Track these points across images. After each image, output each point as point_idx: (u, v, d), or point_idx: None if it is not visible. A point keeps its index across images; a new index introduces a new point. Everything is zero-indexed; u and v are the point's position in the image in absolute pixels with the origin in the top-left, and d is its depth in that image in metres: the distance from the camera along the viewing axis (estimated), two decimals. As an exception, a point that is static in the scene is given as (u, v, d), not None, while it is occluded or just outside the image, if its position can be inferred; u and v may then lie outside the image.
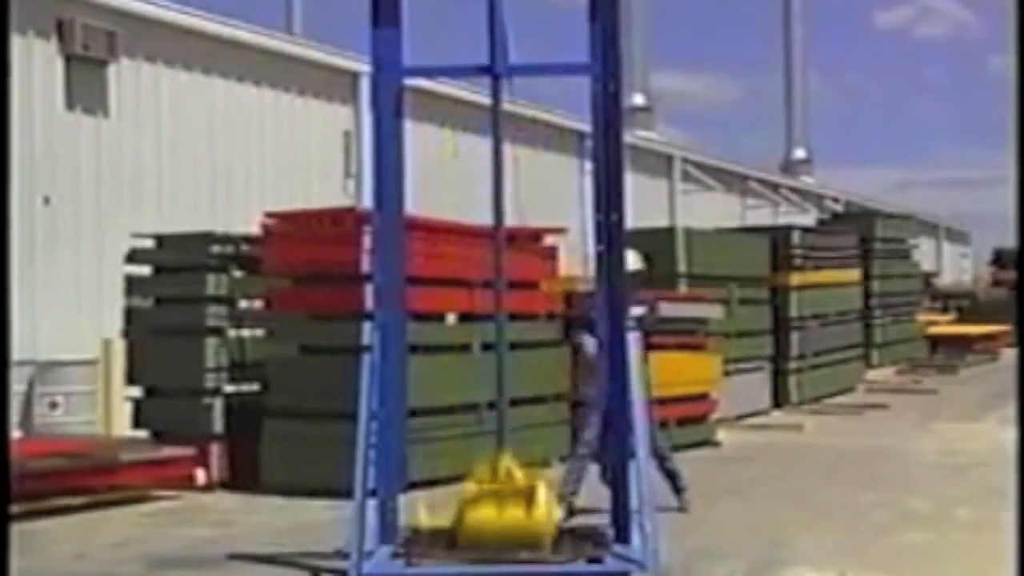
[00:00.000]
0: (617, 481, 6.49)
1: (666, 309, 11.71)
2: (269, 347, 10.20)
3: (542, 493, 6.28)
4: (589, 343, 8.15)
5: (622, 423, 6.39)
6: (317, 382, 9.59)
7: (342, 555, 6.41)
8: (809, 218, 28.45)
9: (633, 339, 6.37)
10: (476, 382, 9.37)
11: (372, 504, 6.33)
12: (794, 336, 16.92)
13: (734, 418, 14.57)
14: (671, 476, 8.73)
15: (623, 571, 5.97)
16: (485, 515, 6.24)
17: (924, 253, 26.27)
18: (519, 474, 6.33)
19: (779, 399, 16.48)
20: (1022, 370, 9.38)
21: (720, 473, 10.75)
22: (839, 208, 33.15)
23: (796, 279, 17.00)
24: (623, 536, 6.39)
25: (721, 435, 12.96)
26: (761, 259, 16.51)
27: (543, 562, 6.13)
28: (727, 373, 14.19)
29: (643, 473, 6.16)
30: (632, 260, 8.59)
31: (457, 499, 6.34)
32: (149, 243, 10.79)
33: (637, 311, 8.04)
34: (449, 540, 6.28)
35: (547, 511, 6.27)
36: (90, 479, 8.95)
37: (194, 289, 10.28)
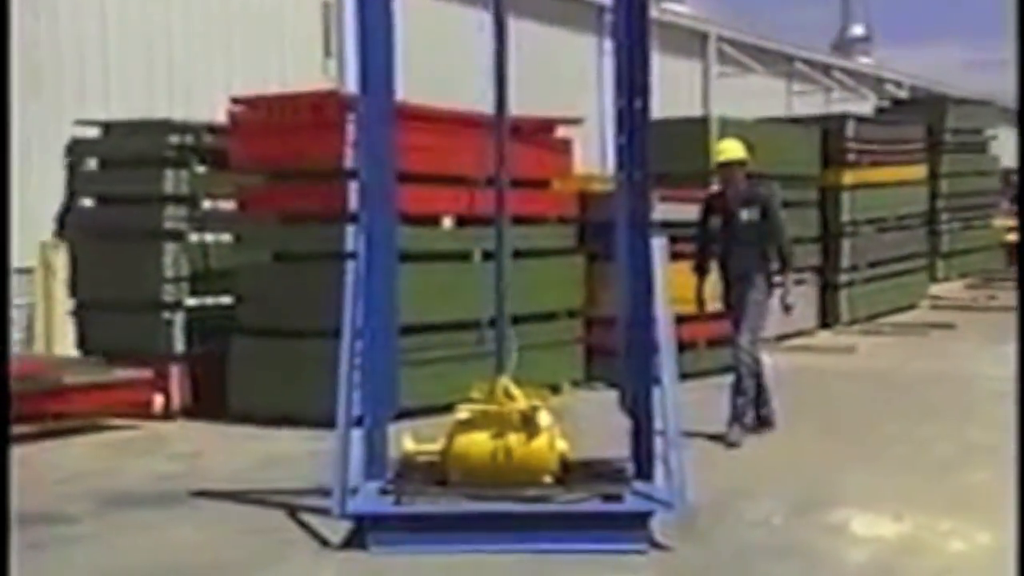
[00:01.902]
0: (638, 408, 6.60)
1: (696, 211, 11.75)
2: (237, 254, 10.29)
3: (544, 418, 6.44)
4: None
5: (645, 342, 6.48)
6: (293, 294, 9.71)
7: (323, 492, 6.55)
8: (866, 106, 28.33)
9: (658, 246, 6.43)
10: (476, 295, 9.30)
11: (357, 434, 6.47)
12: (846, 244, 16.97)
13: (774, 339, 14.61)
14: (738, 398, 8.82)
15: (644, 511, 6.11)
16: (476, 442, 6.43)
17: (1003, 146, 25.83)
18: (518, 394, 6.49)
19: (827, 317, 16.59)
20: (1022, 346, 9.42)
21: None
22: (902, 94, 33.03)
23: (850, 177, 17.00)
24: (645, 471, 6.53)
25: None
26: (809, 154, 16.50)
27: (551, 500, 6.29)
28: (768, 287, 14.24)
29: (669, 399, 6.28)
30: (733, 148, 8.86)
31: (449, 424, 6.52)
32: (94, 132, 10.80)
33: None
34: (444, 474, 6.49)
35: (549, 438, 6.45)
36: (30, 406, 8.90)
37: (149, 186, 10.32)
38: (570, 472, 6.61)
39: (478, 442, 6.48)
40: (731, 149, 9.02)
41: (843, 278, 16.93)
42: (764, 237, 8.88)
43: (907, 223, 18.93)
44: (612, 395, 7.46)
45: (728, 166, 8.95)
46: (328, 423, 6.66)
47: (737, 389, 8.84)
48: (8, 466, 5.76)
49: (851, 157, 17.06)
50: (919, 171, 19.68)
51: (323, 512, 6.39)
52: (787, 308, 8.95)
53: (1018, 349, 9.38)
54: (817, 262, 16.47)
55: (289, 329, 9.76)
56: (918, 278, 19.48)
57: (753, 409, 8.97)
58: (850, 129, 17.24)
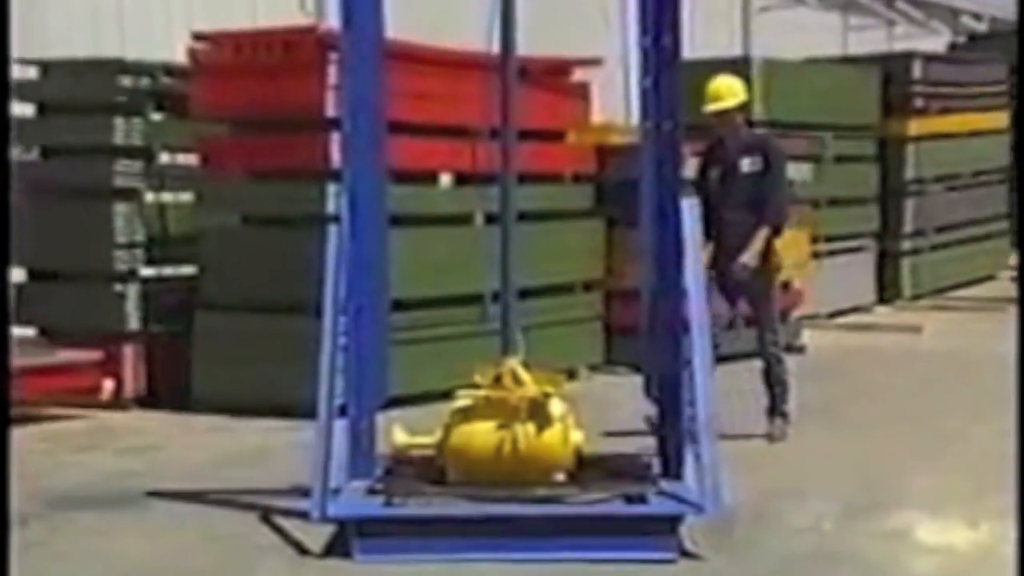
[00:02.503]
0: (666, 396, 6.65)
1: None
2: (200, 216, 10.33)
3: (556, 406, 6.49)
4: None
5: (674, 320, 6.53)
6: (266, 264, 9.77)
7: (301, 492, 6.58)
8: (937, 42, 28.19)
9: (690, 207, 6.46)
10: (479, 265, 9.46)
11: (340, 426, 6.52)
12: (910, 205, 16.99)
13: (825, 316, 14.76)
14: (775, 388, 8.88)
15: (672, 514, 6.14)
16: (478, 434, 6.47)
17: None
18: (528, 379, 6.53)
19: (887, 291, 16.64)
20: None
21: (805, 388, 10.70)
22: (981, 27, 32.82)
23: (915, 127, 16.98)
24: (673, 469, 6.59)
25: (807, 338, 13.16)
26: (867, 100, 16.49)
27: (564, 501, 6.36)
28: (816, 255, 14.37)
29: (701, 386, 6.31)
30: (728, 90, 8.77)
31: (446, 414, 6.57)
32: (32, 72, 10.80)
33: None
34: (441, 471, 6.55)
35: (562, 430, 6.48)
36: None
37: (96, 136, 10.33)
38: (586, 469, 6.65)
39: (480, 434, 6.52)
40: (727, 92, 8.77)
41: (906, 245, 16.96)
42: (764, 194, 8.71)
43: (984, 180, 18.81)
44: (635, 380, 7.58)
45: (725, 113, 8.74)
46: (307, 413, 6.70)
47: (769, 378, 8.89)
48: (8, 465, 5.89)
49: (918, 103, 17.04)
50: (999, 119, 19.36)
51: (301, 515, 6.42)
52: (742, 267, 8.64)
53: (1018, 349, 9.36)
54: (876, 226, 16.50)
55: (261, 304, 9.83)
56: (997, 244, 19.39)
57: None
58: (917, 70, 17.17)
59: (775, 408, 8.88)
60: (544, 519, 6.19)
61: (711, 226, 8.49)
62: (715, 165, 8.83)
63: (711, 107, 8.72)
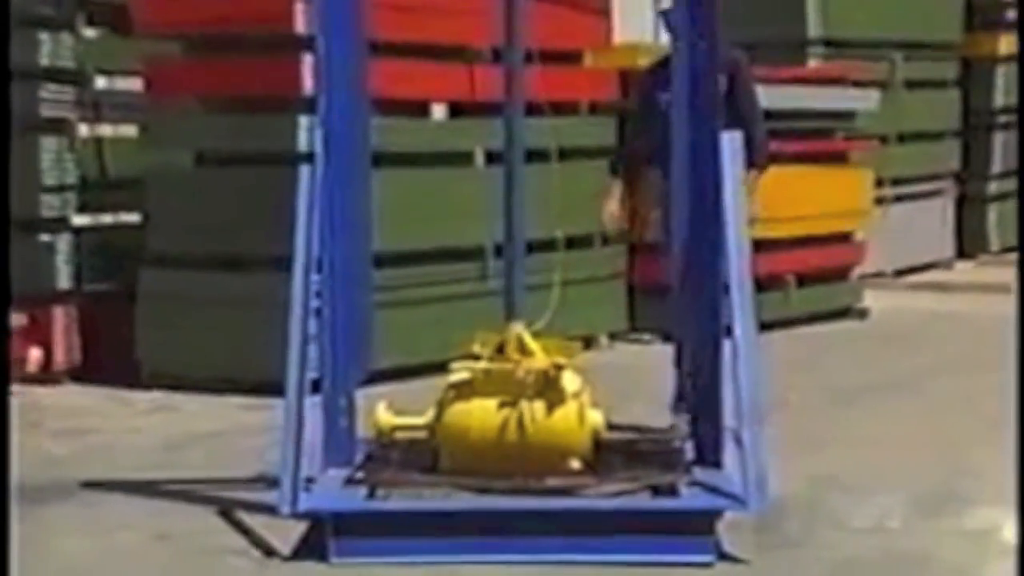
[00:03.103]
0: (701, 369, 6.68)
1: (787, 96, 11.85)
2: (146, 154, 10.35)
3: (571, 380, 6.52)
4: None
5: (711, 278, 6.57)
6: (225, 211, 9.81)
7: (267, 483, 6.67)
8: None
9: (731, 143, 6.47)
10: (479, 213, 9.49)
11: (314, 404, 6.55)
12: (998, 140, 16.92)
13: (892, 274, 14.76)
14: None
15: (708, 509, 6.17)
16: (477, 413, 6.51)
17: None
18: (536, 349, 6.56)
19: (969, 243, 16.64)
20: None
21: (867, 360, 11.02)
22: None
23: (1006, 44, 16.82)
24: (710, 455, 6.65)
25: (870, 300, 13.20)
26: (947, 12, 16.38)
27: (580, 493, 6.39)
28: (881, 201, 14.38)
29: (744, 356, 6.31)
30: None
31: (440, 390, 6.59)
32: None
33: None
34: (433, 457, 6.60)
35: (578, 409, 6.51)
36: None
37: (16, 57, 10.13)
38: (606, 455, 6.69)
39: (480, 414, 6.56)
40: None
41: (993, 188, 16.92)
42: (734, 124, 7.55)
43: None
44: (665, 350, 7.72)
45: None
46: (274, 388, 6.72)
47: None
48: (8, 461, 5.95)
49: (1009, 15, 16.84)
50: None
51: (267, 510, 6.45)
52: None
53: (1017, 338, 9.39)
54: (956, 166, 16.46)
55: (219, 259, 9.89)
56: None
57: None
58: (1008, -26, 17.01)
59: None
60: (555, 515, 6.18)
61: (638, 163, 8.43)
62: (664, 87, 7.73)
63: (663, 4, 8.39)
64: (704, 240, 6.61)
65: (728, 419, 6.56)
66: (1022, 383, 7.24)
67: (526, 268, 6.96)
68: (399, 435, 6.84)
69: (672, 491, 6.41)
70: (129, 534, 6.61)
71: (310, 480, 6.45)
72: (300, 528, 6.34)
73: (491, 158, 9.95)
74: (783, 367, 8.75)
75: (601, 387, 6.96)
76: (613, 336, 11.67)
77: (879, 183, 14.25)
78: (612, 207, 8.42)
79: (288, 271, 6.53)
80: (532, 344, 6.67)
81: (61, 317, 10.26)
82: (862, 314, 12.89)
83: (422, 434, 6.74)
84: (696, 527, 6.08)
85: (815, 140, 12.91)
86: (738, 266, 6.40)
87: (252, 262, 9.49)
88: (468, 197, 10.11)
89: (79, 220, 10.42)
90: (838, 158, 13.31)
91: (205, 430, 8.72)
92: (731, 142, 6.49)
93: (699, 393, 6.77)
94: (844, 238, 13.26)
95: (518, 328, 6.72)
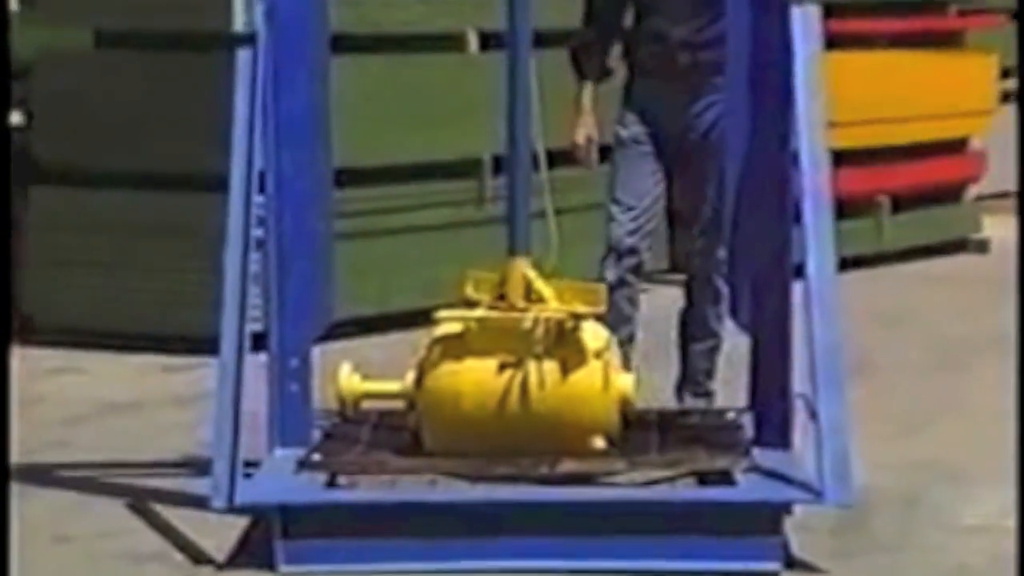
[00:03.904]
0: (764, 321, 6.71)
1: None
2: (31, 33, 10.20)
3: (593, 334, 6.49)
4: None
5: (778, 201, 6.57)
6: (138, 109, 9.79)
7: (197, 468, 6.75)
8: None
9: (805, 18, 6.40)
10: (472, 113, 9.46)
11: (258, 365, 6.54)
12: None
13: (972, 199, 14.60)
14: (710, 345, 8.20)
15: (774, 502, 6.14)
16: (470, 377, 6.48)
17: None
18: (548, 293, 6.51)
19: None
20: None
21: (982, 309, 10.98)
22: None
23: None
24: (775, 432, 6.66)
25: (990, 229, 13.23)
26: None
27: (605, 481, 6.41)
28: (1008, 97, 14.20)
29: (820, 305, 6.26)
30: None
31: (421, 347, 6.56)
32: None
33: None
34: (413, 434, 6.60)
35: (602, 371, 6.49)
36: None
37: None
38: (639, 431, 6.70)
39: (475, 378, 6.53)
40: None
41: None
42: None
43: None
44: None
45: None
46: (205, 345, 6.85)
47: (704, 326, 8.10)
48: (8, 462, 6.17)
49: None
50: None
51: (197, 503, 6.46)
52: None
53: (1018, 334, 9.40)
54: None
55: (131, 175, 9.89)
56: None
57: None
58: None
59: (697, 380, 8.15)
60: (572, 509, 6.17)
61: (595, 53, 8.04)
62: None
63: None
64: (766, 148, 6.60)
65: (798, 385, 6.55)
66: (1022, 382, 7.49)
67: (535, 188, 6.87)
68: (368, 405, 6.84)
69: (725, 479, 6.43)
70: (23, 533, 6.42)
71: (252, 464, 6.45)
72: (239, 526, 6.38)
73: (487, 42, 9.94)
74: (872, 318, 8.78)
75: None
76: (649, 276, 11.46)
77: (1005, 74, 14.08)
78: (580, 135, 8.07)
79: (222, 191, 6.48)
80: (543, 287, 6.61)
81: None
82: (980, 247, 12.83)
83: (398, 404, 6.74)
84: (757, 526, 6.09)
85: (920, 16, 12.80)
86: (813, 183, 6.36)
87: (174, 179, 9.50)
88: (458, 93, 10.08)
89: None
90: (951, 40, 13.20)
91: (117, 399, 8.73)
92: (804, 17, 6.44)
93: (758, 352, 6.78)
94: (957, 147, 13.10)
95: (524, 266, 6.65)
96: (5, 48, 8.47)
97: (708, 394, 7.85)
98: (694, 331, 7.91)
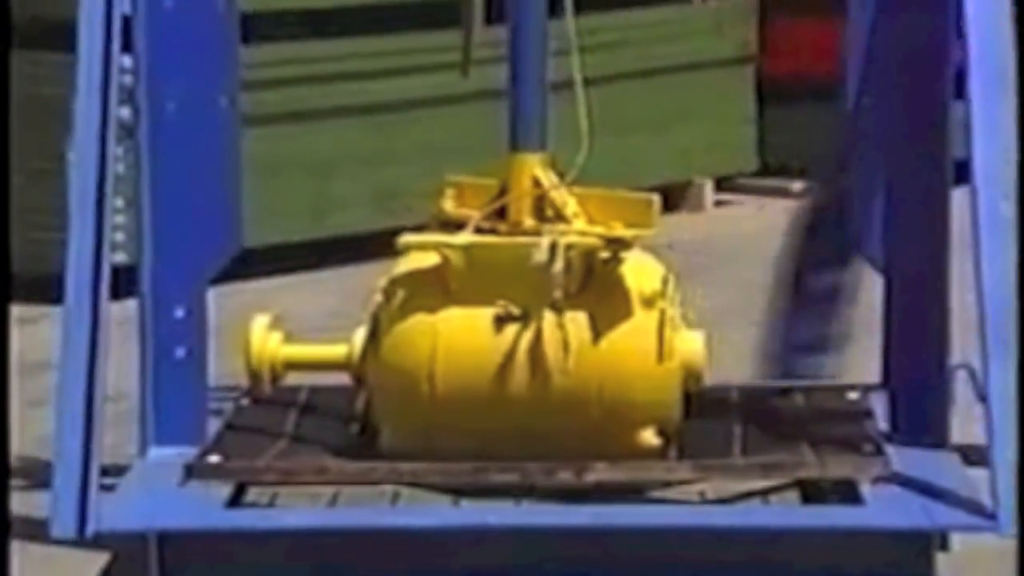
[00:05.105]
0: (901, 262, 5.94)
1: None
2: None
3: (641, 272, 5.53)
4: None
5: (933, 79, 5.76)
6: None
7: (33, 477, 6.19)
8: None
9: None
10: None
11: (125, 317, 5.67)
12: None
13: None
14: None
15: (922, 530, 5.15)
16: (448, 337, 5.55)
17: None
18: (573, 208, 5.57)
19: None
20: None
21: None
22: None
23: None
24: (921, 423, 5.80)
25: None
26: None
27: (657, 496, 5.59)
28: None
29: (992, 232, 5.29)
30: None
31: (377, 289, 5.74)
32: None
33: None
34: (361, 422, 5.71)
35: (655, 327, 5.47)
36: None
37: None
38: (712, 420, 5.67)
39: (457, 338, 5.43)
40: None
41: None
42: None
43: None
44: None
45: None
46: (49, 289, 6.17)
47: None
48: (8, 464, 5.55)
49: None
50: None
51: (33, 531, 5.55)
52: None
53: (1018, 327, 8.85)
54: None
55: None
56: None
57: None
58: None
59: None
60: (607, 538, 5.03)
61: None
62: None
63: None
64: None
65: (957, 354, 5.66)
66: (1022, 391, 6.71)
67: (553, 44, 5.69)
68: (294, 379, 5.75)
69: (847, 493, 5.34)
70: None
71: (115, 471, 5.35)
72: (99, 563, 5.51)
73: None
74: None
75: (704, 286, 6.60)
76: (727, 183, 10.51)
77: None
78: None
79: (68, 51, 5.39)
80: (564, 197, 5.44)
81: None
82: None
83: (341, 377, 5.65)
84: (895, 566, 5.10)
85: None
86: (979, 55, 5.30)
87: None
88: None
89: None
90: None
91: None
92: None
93: (891, 306, 5.89)
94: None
95: (535, 165, 5.50)
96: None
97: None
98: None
